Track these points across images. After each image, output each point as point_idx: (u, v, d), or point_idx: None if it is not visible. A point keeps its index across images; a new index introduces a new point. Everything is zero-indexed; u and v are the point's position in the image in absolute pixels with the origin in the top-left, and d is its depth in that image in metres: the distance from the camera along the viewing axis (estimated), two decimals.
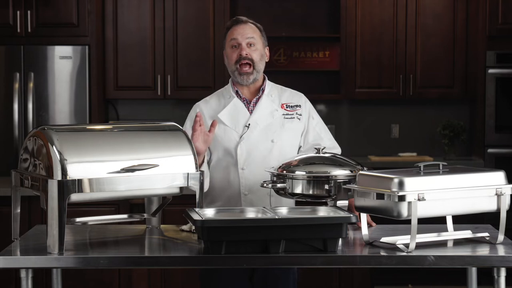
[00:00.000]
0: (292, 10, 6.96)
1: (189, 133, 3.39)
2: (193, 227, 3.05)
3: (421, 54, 6.71)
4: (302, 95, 3.63)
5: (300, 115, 3.54)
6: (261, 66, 3.49)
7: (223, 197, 3.46)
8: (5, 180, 5.41)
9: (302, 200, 3.20)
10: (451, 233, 3.03)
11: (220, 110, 3.50)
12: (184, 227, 3.17)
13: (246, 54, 3.43)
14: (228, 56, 3.49)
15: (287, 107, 3.54)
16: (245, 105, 3.51)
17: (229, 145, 3.46)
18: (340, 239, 2.81)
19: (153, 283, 5.23)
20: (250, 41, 3.45)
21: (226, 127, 3.47)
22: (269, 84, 3.57)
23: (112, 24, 6.56)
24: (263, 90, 3.53)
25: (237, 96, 3.52)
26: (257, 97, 3.52)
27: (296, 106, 3.55)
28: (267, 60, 3.54)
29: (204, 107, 3.54)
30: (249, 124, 3.47)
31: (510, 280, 3.37)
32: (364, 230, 2.91)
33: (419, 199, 2.73)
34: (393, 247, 2.82)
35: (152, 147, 2.98)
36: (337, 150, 3.57)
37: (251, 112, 3.50)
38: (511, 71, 6.52)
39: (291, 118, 3.52)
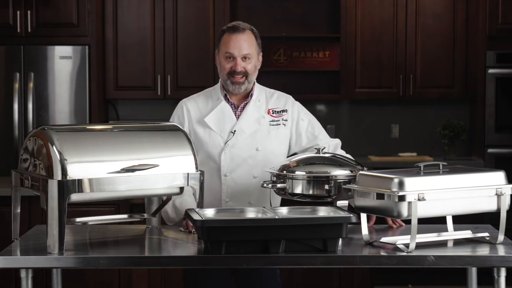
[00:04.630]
0: (292, 10, 6.96)
1: None
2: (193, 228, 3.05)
3: (421, 54, 6.71)
4: (290, 97, 3.56)
5: (286, 120, 3.48)
6: (253, 77, 3.43)
7: (204, 202, 3.41)
8: (5, 180, 5.41)
9: (302, 200, 3.21)
10: (451, 233, 3.03)
11: (207, 112, 3.45)
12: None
13: (241, 69, 3.37)
14: (221, 65, 3.42)
15: (273, 113, 3.47)
16: (232, 109, 3.46)
17: (213, 150, 3.42)
18: (340, 239, 2.81)
19: (153, 283, 5.23)
20: (246, 56, 3.38)
21: (211, 132, 3.42)
22: (257, 88, 3.51)
23: (112, 24, 6.56)
24: (251, 96, 3.47)
25: (225, 100, 3.47)
26: (245, 102, 3.47)
27: (282, 111, 3.49)
28: (259, 67, 3.46)
29: (191, 107, 3.48)
30: (234, 131, 3.42)
31: (510, 280, 3.37)
32: (364, 230, 2.91)
33: (419, 199, 2.73)
34: (393, 247, 2.82)
35: (152, 147, 2.98)
36: (337, 141, 3.55)
37: (238, 117, 3.45)
38: (511, 71, 6.52)
39: (277, 124, 3.47)
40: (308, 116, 3.56)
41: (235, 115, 3.45)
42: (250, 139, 3.43)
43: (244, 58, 3.38)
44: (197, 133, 3.44)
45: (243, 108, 3.46)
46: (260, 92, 3.52)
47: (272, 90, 3.57)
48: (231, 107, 3.46)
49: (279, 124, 3.48)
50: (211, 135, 3.43)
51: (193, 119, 3.46)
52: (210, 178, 3.36)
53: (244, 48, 3.38)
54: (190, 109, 3.48)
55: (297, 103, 3.56)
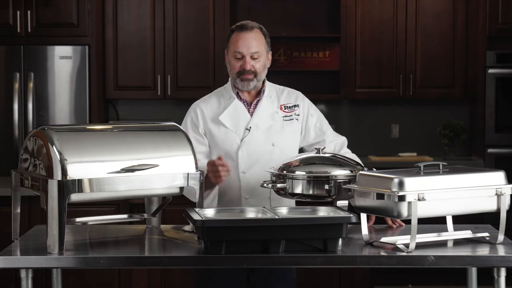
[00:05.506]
0: (292, 10, 6.96)
1: (190, 133, 3.37)
2: None
3: (421, 54, 6.71)
4: (299, 93, 3.60)
5: (298, 115, 3.52)
6: (263, 75, 3.45)
7: (223, 200, 3.42)
8: (5, 180, 5.41)
9: (302, 200, 3.20)
10: (451, 233, 3.03)
11: (220, 111, 3.47)
12: (187, 227, 3.16)
13: (250, 68, 3.39)
14: (230, 64, 3.44)
15: (285, 108, 3.51)
16: (245, 106, 3.49)
17: (229, 148, 3.44)
18: (340, 239, 2.81)
19: (153, 283, 5.23)
20: (255, 55, 3.40)
21: (227, 130, 3.45)
22: (268, 85, 3.53)
23: (112, 24, 6.56)
24: (263, 92, 3.50)
25: (238, 98, 3.50)
26: (257, 99, 3.50)
27: (294, 106, 3.53)
28: (269, 66, 3.50)
29: (204, 108, 3.50)
30: (250, 127, 3.45)
31: (510, 280, 3.37)
32: (364, 230, 2.91)
33: (419, 199, 2.73)
34: (393, 247, 2.82)
35: (152, 147, 2.98)
36: (343, 139, 3.58)
37: (251, 114, 3.48)
38: (511, 71, 6.52)
39: (290, 119, 3.50)
40: (317, 112, 3.60)
41: (249, 112, 3.47)
42: (265, 134, 3.45)
43: (253, 56, 3.39)
44: (212, 133, 3.45)
45: (256, 105, 3.48)
46: (271, 89, 3.54)
47: (282, 87, 3.60)
48: (244, 105, 3.48)
49: (292, 119, 3.51)
50: (227, 134, 3.44)
51: (207, 120, 3.47)
52: (228, 176, 3.38)
53: (253, 46, 3.39)
54: (203, 110, 3.49)
55: (307, 99, 3.60)
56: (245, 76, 3.40)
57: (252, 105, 3.49)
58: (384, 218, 3.16)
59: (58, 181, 2.73)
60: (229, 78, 3.53)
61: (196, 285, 3.46)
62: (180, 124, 3.15)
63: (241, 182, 3.42)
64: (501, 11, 6.44)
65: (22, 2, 6.19)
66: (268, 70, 3.55)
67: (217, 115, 3.46)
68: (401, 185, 2.74)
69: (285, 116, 3.50)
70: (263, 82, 3.52)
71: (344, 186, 3.02)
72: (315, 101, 3.68)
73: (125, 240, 3.10)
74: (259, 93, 3.50)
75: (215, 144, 3.45)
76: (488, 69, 6.51)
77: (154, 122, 3.16)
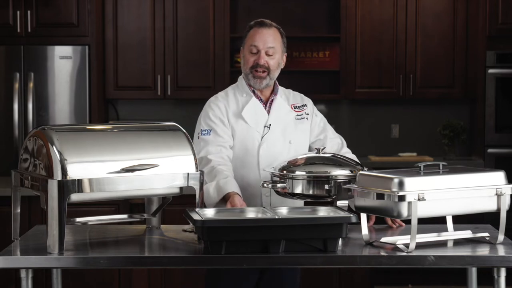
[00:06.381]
0: (292, 10, 6.96)
1: (218, 126, 3.38)
2: None
3: (421, 54, 6.71)
4: (303, 95, 3.65)
5: (308, 114, 3.56)
6: (276, 74, 3.47)
7: (243, 197, 3.36)
8: (5, 180, 5.41)
9: (304, 200, 3.20)
10: (451, 233, 3.03)
11: (239, 108, 3.47)
12: (187, 227, 3.16)
13: (264, 63, 3.41)
14: (245, 58, 3.46)
15: (295, 108, 3.54)
16: (261, 104, 3.50)
17: (251, 145, 3.44)
18: (340, 239, 2.81)
19: (153, 283, 5.23)
20: (270, 51, 3.42)
21: (249, 127, 3.45)
22: (278, 86, 3.56)
23: (112, 24, 6.56)
24: (277, 91, 3.52)
25: (254, 95, 3.50)
26: (271, 98, 3.51)
27: (303, 106, 3.57)
28: (282, 67, 3.51)
29: (226, 103, 3.48)
30: (270, 125, 3.46)
31: (510, 280, 3.37)
32: (364, 230, 2.91)
33: (419, 199, 2.73)
34: (393, 247, 2.82)
35: (152, 147, 2.97)
36: (341, 139, 3.60)
37: (268, 112, 3.49)
38: (511, 71, 6.52)
39: (301, 118, 3.54)
40: (319, 113, 3.65)
41: (265, 110, 3.49)
42: (282, 132, 3.48)
43: (268, 52, 3.41)
44: (234, 129, 3.45)
45: (271, 103, 3.50)
46: (280, 90, 3.57)
47: (287, 89, 3.63)
48: (260, 102, 3.50)
49: (303, 118, 3.55)
50: (249, 130, 3.45)
51: (230, 115, 3.47)
52: (248, 173, 3.41)
53: (269, 41, 3.42)
54: (225, 105, 3.48)
55: (310, 100, 3.63)
56: (258, 71, 3.42)
57: (267, 103, 3.51)
58: (384, 218, 3.16)
59: (58, 181, 2.73)
60: (240, 77, 3.54)
61: (207, 285, 3.45)
62: (180, 124, 3.13)
63: (262, 179, 3.40)
64: (501, 11, 6.45)
65: (22, 2, 6.19)
66: None
67: (237, 112, 3.47)
68: (401, 185, 2.74)
69: (297, 115, 3.53)
70: (274, 82, 3.53)
71: (344, 186, 3.02)
72: (315, 101, 3.70)
73: (125, 240, 3.09)
74: (272, 92, 3.52)
75: (237, 141, 3.45)
76: (488, 69, 6.52)
77: (154, 122, 3.16)
